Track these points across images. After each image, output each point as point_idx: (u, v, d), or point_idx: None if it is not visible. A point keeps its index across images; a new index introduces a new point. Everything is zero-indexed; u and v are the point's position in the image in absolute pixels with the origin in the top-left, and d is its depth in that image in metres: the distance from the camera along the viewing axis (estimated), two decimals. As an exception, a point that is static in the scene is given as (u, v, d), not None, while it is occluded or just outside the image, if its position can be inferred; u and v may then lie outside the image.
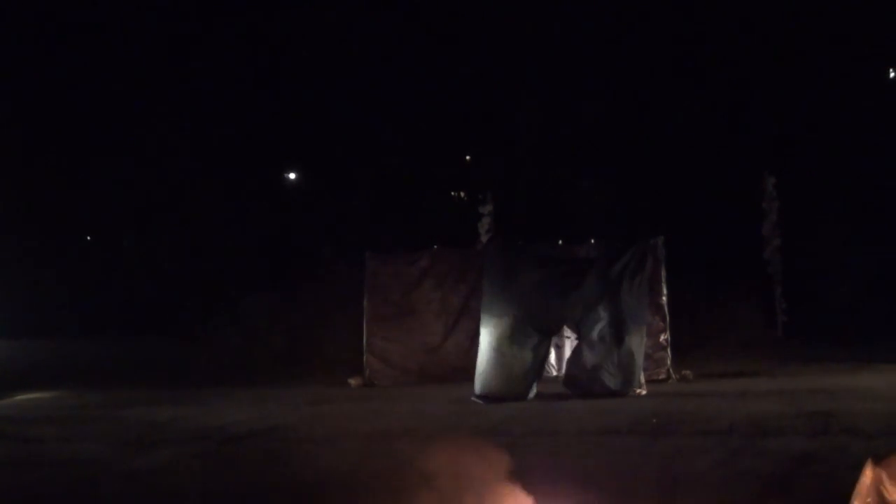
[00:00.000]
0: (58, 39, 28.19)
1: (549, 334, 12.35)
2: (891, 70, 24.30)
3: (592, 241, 14.41)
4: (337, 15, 27.18)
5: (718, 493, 6.27)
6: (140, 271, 26.40)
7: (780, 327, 19.78)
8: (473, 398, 11.70)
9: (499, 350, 11.82)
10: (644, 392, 11.63)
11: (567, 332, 14.01)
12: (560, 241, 14.85)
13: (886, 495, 4.29)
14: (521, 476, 7.05)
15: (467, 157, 27.66)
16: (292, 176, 29.10)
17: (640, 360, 11.87)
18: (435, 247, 15.71)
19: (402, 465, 7.67)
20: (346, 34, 27.05)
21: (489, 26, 25.85)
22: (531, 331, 11.88)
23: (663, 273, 13.11)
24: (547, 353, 12.51)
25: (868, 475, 4.40)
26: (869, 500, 4.34)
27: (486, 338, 12.02)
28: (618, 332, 11.83)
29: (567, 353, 14.43)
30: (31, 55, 27.97)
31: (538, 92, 24.76)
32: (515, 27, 25.42)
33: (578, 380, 12.03)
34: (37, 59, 27.95)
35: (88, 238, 31.08)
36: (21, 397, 14.09)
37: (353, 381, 14.20)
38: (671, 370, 13.28)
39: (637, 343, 11.86)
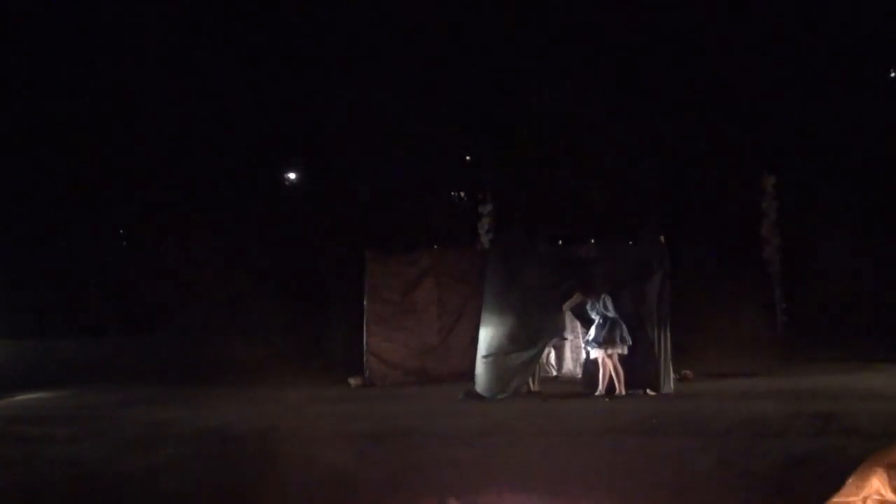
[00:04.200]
0: (57, 38, 28.18)
1: (550, 335, 12.33)
2: (891, 70, 24.30)
3: (592, 241, 14.41)
4: (338, 14, 27.19)
5: (718, 493, 6.27)
6: (139, 271, 26.38)
7: (780, 327, 19.79)
8: (464, 396, 11.70)
9: (499, 350, 11.80)
10: (652, 393, 11.59)
11: (566, 333, 14.03)
12: (560, 241, 14.84)
13: (885, 494, 4.29)
14: (521, 475, 7.06)
15: (467, 157, 27.66)
16: (292, 176, 29.10)
17: (649, 360, 11.76)
18: (435, 247, 15.71)
19: (403, 465, 7.68)
20: (348, 34, 27.06)
21: (490, 27, 25.85)
22: (532, 331, 11.86)
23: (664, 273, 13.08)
24: (541, 353, 12.42)
25: (865, 473, 4.40)
26: (867, 500, 4.34)
27: (486, 338, 12.00)
28: (622, 333, 11.77)
29: (567, 353, 14.46)
30: (31, 54, 27.98)
31: (539, 92, 24.77)
32: (516, 28, 25.42)
33: (589, 378, 12.03)
34: (36, 58, 27.95)
35: (89, 238, 31.04)
36: (21, 397, 14.10)
37: (353, 381, 14.20)
38: (671, 370, 13.26)
39: (647, 342, 11.78)
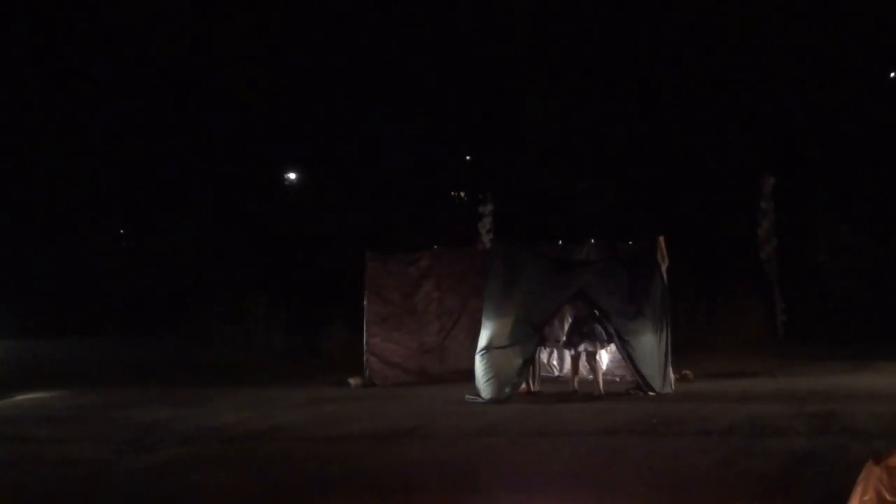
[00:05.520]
0: (57, 37, 28.18)
1: (545, 333, 12.33)
2: (891, 70, 24.30)
3: (592, 241, 14.41)
4: (339, 14, 27.20)
5: (719, 492, 6.27)
6: (140, 271, 26.39)
7: (780, 327, 19.79)
8: (469, 398, 11.71)
9: (500, 351, 11.79)
10: (653, 393, 11.59)
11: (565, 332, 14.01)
12: (560, 242, 14.82)
13: (885, 494, 4.30)
14: (521, 475, 7.07)
15: (467, 157, 27.66)
16: (292, 176, 29.12)
17: (651, 360, 11.77)
18: (435, 247, 15.69)
19: (403, 465, 7.69)
20: (348, 34, 27.07)
21: (491, 27, 25.86)
22: (530, 328, 11.86)
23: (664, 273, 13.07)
24: (535, 348, 12.41)
25: (867, 474, 4.41)
26: (867, 498, 4.35)
27: (484, 336, 11.98)
28: (624, 332, 11.79)
29: (567, 353, 14.44)
30: (31, 52, 27.99)
31: (539, 92, 24.76)
32: (517, 28, 25.43)
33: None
34: (37, 57, 27.96)
35: (88, 238, 31.04)
36: (21, 397, 14.09)
37: (353, 381, 14.20)
38: (671, 370, 13.25)
39: (648, 343, 11.78)
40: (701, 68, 24.08)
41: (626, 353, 11.81)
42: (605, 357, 13.12)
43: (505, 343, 11.77)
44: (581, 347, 11.95)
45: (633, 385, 11.89)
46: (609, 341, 12.03)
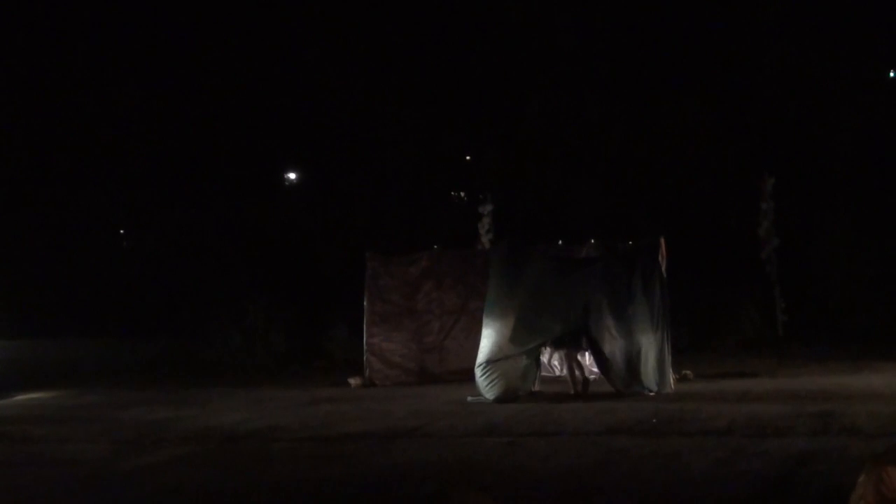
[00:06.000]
0: (59, 37, 28.18)
1: (552, 334, 12.31)
2: (891, 70, 24.32)
3: (592, 241, 14.41)
4: (338, 14, 27.20)
5: (718, 493, 6.27)
6: (140, 271, 26.39)
7: (780, 327, 19.77)
8: (470, 398, 11.70)
9: (501, 351, 11.77)
10: (652, 393, 11.59)
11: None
12: (560, 242, 14.83)
13: (885, 493, 4.30)
14: (522, 475, 7.07)
15: (467, 157, 27.65)
16: (292, 176, 29.11)
17: (651, 360, 11.76)
18: (435, 247, 15.69)
19: (403, 465, 7.69)
20: (348, 34, 27.06)
21: (491, 27, 25.86)
22: (534, 331, 11.86)
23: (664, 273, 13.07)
24: (536, 351, 12.40)
25: (867, 474, 4.41)
26: (867, 498, 4.36)
27: (489, 338, 11.96)
28: (625, 332, 11.80)
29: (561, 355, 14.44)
30: (32, 52, 27.99)
31: (539, 92, 24.76)
32: (517, 28, 25.43)
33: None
34: (37, 57, 27.95)
35: (89, 238, 31.05)
36: (21, 397, 14.09)
37: (353, 381, 14.19)
38: (671, 370, 13.25)
39: (648, 343, 11.78)
40: (701, 68, 24.09)
41: (600, 360, 11.86)
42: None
43: (508, 345, 11.75)
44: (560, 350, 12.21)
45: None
46: (581, 347, 12.14)
